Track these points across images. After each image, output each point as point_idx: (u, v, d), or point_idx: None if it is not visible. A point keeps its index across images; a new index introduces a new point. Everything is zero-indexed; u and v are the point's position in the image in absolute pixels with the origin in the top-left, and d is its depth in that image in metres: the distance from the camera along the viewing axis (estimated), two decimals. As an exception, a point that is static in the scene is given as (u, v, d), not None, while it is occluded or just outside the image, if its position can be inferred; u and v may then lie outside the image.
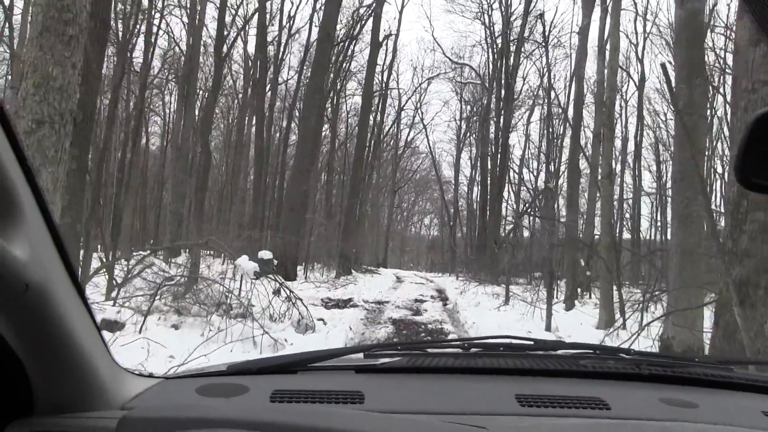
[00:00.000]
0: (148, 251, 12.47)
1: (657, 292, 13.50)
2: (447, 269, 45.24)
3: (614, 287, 14.65)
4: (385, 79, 38.69)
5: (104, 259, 13.74)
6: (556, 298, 20.18)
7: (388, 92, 41.62)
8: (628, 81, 37.05)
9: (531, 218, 25.98)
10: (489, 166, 36.78)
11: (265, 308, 10.29)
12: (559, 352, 1.93)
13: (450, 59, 42.73)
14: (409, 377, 1.76)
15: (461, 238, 47.78)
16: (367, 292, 20.99)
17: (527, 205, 33.84)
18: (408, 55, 75.82)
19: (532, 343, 1.88)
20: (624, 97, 37.21)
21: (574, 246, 17.28)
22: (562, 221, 18.34)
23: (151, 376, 1.70)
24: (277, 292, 10.83)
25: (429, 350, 1.99)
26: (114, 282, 11.69)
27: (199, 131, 18.60)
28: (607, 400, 1.56)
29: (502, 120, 33.54)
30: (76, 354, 1.28)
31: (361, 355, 1.85)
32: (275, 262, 21.87)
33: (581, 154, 20.76)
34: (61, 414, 1.32)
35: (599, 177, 15.90)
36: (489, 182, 36.26)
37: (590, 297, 21.36)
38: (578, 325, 13.95)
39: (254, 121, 28.47)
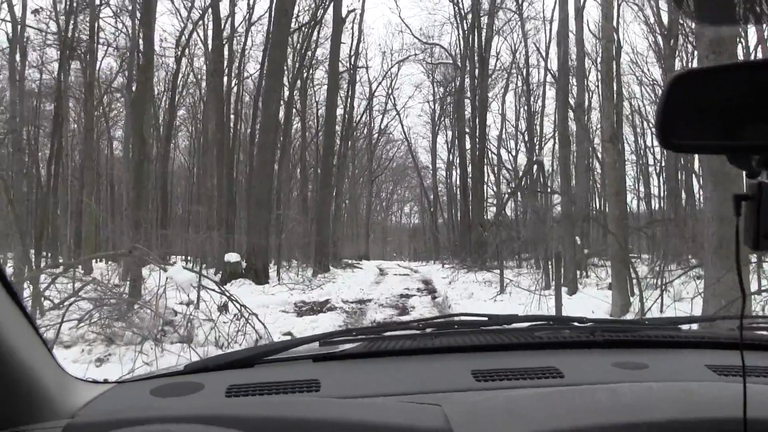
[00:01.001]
0: (61, 267, 9.98)
1: (684, 270, 11.32)
2: (431, 257, 43.53)
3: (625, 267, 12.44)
4: (352, 63, 36.25)
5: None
6: (554, 280, 18.18)
7: (358, 79, 39.48)
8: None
9: (515, 196, 23.74)
10: (467, 146, 34.62)
11: (211, 329, 7.93)
12: (514, 325, 1.95)
13: (419, 39, 40.67)
14: (365, 362, 1.74)
15: (443, 224, 45.72)
16: (346, 291, 18.67)
17: (510, 182, 31.74)
18: (376, 39, 73.52)
19: (486, 318, 1.91)
20: (598, 68, 35.43)
21: (572, 222, 15.06)
22: (556, 194, 16.08)
23: (104, 382, 1.63)
24: (223, 309, 8.44)
25: (385, 334, 1.90)
26: (50, 302, 9.43)
27: (130, 119, 15.91)
28: (561, 369, 1.57)
29: (477, 96, 31.24)
30: (15, 364, 1.23)
31: (316, 344, 1.81)
32: (243, 264, 19.63)
33: (570, 121, 18.48)
34: (3, 430, 1.24)
35: (602, 140, 13.72)
36: (469, 162, 34.03)
37: (587, 277, 19.25)
38: (590, 312, 11.77)
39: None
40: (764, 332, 1.99)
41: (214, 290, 8.94)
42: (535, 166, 23.29)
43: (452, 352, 1.77)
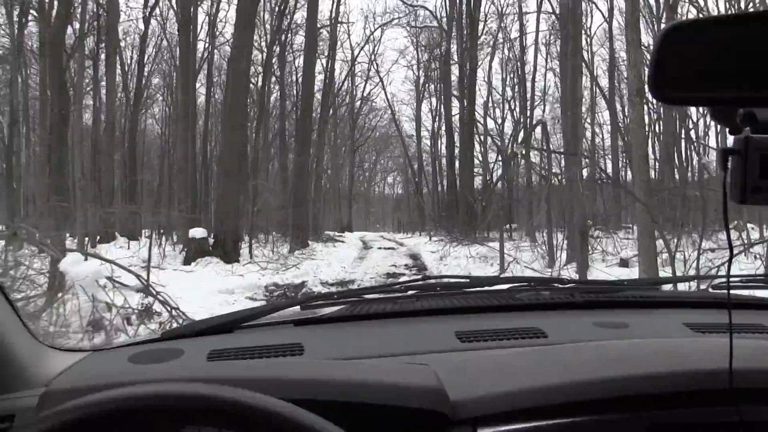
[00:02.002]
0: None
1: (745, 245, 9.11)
2: (416, 228, 41.33)
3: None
4: (333, 19, 33.43)
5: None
6: (558, 257, 16.03)
7: (339, 45, 36.85)
8: (592, 14, 33.13)
9: (518, 157, 21.33)
10: (454, 112, 32.24)
11: (128, 342, 5.53)
12: (495, 287, 1.93)
13: (403, 1, 37.89)
14: (348, 325, 1.72)
15: (428, 194, 43.39)
16: (326, 269, 16.31)
17: (502, 151, 29.34)
18: (358, 3, 70.61)
19: (467, 280, 1.89)
20: (588, 33, 33.29)
21: (590, 187, 12.78)
22: (574, 155, 13.70)
23: (80, 350, 1.58)
24: (144, 315, 6.03)
25: (366, 297, 1.86)
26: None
27: (48, 67, 12.99)
28: (544, 329, 1.57)
29: (467, 55, 28.72)
30: None
31: (298, 308, 1.76)
32: (211, 240, 17.24)
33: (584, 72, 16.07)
34: None
35: (629, 95, 11.50)
36: (456, 129, 31.67)
37: (591, 252, 16.99)
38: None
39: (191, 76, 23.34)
40: (743, 291, 1.89)
41: (127, 286, 6.48)
42: (539, 127, 20.79)
43: (435, 314, 1.77)
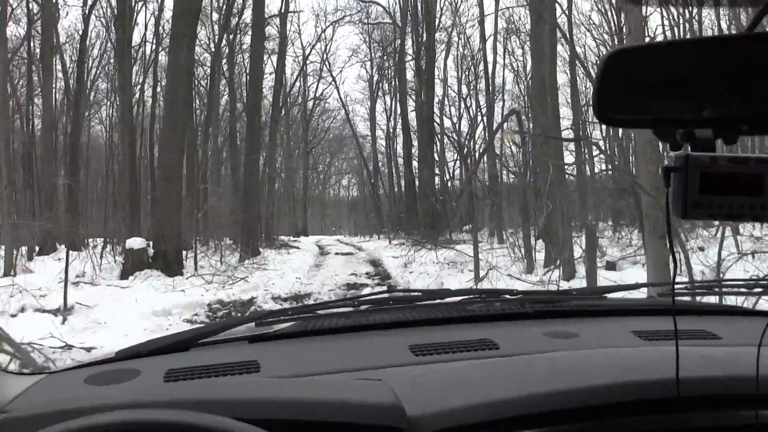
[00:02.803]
0: None
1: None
2: (374, 231, 39.51)
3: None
4: (282, 10, 31.30)
5: None
6: (535, 263, 14.40)
7: (290, 44, 34.87)
8: None
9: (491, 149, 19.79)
10: (410, 110, 30.64)
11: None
12: (447, 300, 1.90)
13: (355, -3, 36.26)
14: (303, 341, 1.67)
15: (384, 195, 41.68)
16: (279, 281, 14.35)
17: (463, 146, 27.73)
18: (309, 2, 69.15)
19: (420, 294, 1.88)
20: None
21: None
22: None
23: (33, 373, 1.47)
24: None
25: (320, 312, 1.81)
26: None
27: None
28: (495, 340, 1.54)
29: (423, 49, 27.07)
30: None
31: (252, 324, 1.74)
32: (151, 251, 15.15)
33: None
34: None
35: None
36: (414, 128, 29.97)
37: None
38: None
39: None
40: (687, 298, 2.01)
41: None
42: (513, 116, 19.17)
43: (388, 327, 1.72)
